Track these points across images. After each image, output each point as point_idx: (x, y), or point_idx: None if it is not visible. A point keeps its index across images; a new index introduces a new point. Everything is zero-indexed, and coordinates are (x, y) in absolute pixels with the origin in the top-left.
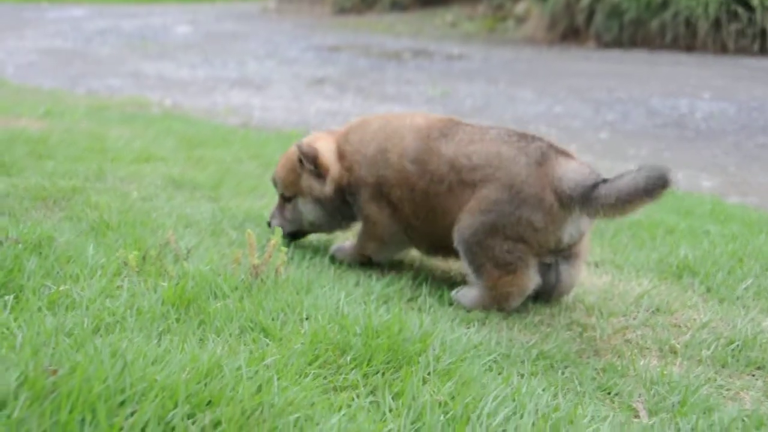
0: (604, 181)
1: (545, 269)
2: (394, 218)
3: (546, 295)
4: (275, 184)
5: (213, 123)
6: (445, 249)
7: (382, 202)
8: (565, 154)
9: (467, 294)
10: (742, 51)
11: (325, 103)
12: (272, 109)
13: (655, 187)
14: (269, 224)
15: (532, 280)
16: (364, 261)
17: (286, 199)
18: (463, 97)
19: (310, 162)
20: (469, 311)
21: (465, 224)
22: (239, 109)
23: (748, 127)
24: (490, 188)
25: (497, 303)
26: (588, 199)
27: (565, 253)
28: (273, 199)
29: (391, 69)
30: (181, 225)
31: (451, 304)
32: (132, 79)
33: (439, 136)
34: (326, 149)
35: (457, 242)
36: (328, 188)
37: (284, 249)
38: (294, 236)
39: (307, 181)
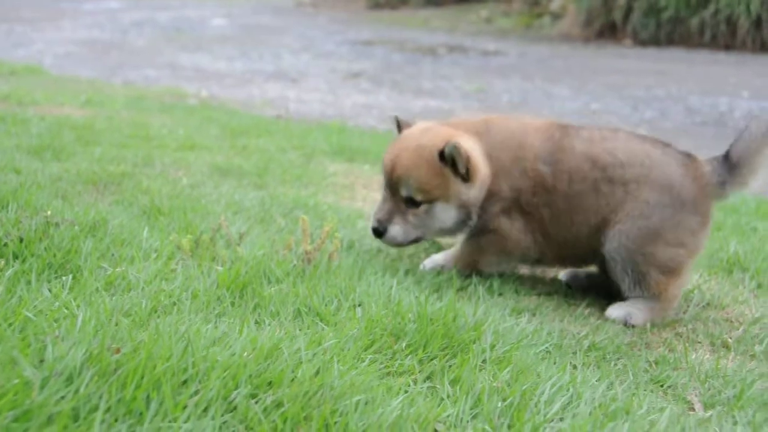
0: (725, 152)
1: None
2: (527, 230)
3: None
4: (397, 185)
5: (253, 114)
6: (576, 256)
7: (516, 214)
8: (693, 156)
9: (628, 311)
10: None
11: (361, 97)
12: (308, 102)
13: None
14: (380, 232)
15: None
16: (466, 272)
17: (414, 204)
18: (499, 92)
19: (464, 164)
20: (632, 327)
21: (623, 229)
22: (276, 101)
23: None
24: (647, 190)
25: (664, 309)
26: (733, 167)
27: None
28: (318, 187)
29: (426, 64)
30: (230, 211)
31: (500, 294)
32: (168, 71)
33: (563, 135)
34: (473, 148)
35: (612, 249)
36: (475, 193)
37: (338, 235)
38: (410, 244)
39: (456, 185)
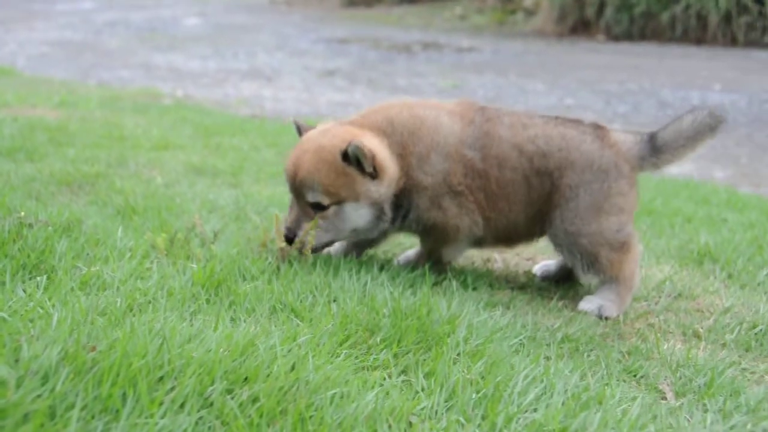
0: (653, 133)
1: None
2: (462, 213)
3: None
4: (302, 190)
5: (227, 113)
6: (512, 239)
7: (446, 201)
8: (602, 127)
9: (599, 303)
10: (752, 43)
11: (336, 95)
12: (283, 100)
13: (716, 122)
14: (290, 240)
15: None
16: (444, 269)
17: (321, 207)
18: (474, 88)
19: (370, 162)
20: (606, 319)
21: (560, 220)
22: (251, 100)
23: (759, 119)
24: (569, 174)
25: (629, 290)
26: (656, 149)
27: None
28: None
29: (401, 61)
30: (205, 210)
31: (475, 288)
32: (142, 71)
33: (484, 120)
34: (377, 146)
35: (556, 239)
36: (385, 190)
37: (312, 233)
38: (324, 247)
39: (364, 185)
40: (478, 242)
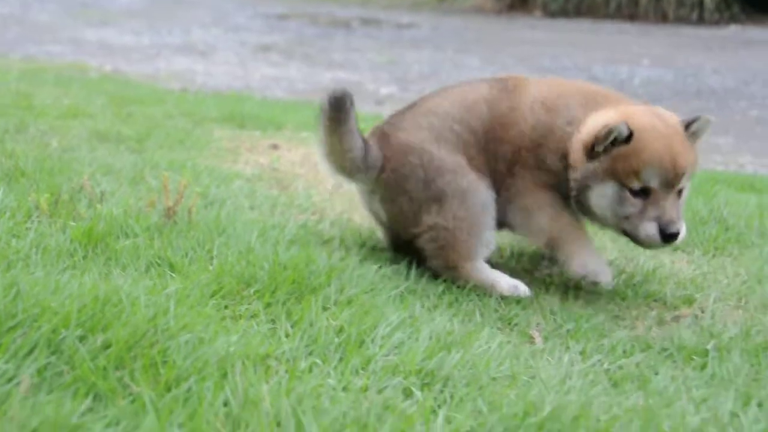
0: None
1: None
2: None
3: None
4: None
5: (151, 85)
6: None
7: None
8: None
9: None
10: (681, 20)
11: (270, 70)
12: (216, 75)
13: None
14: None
15: None
16: None
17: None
18: (410, 63)
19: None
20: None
21: None
22: (182, 75)
23: (683, 92)
24: None
25: None
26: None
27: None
28: (199, 151)
29: (339, 37)
30: (99, 173)
31: (363, 245)
32: (72, 46)
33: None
34: None
35: None
36: None
37: (198, 190)
38: None
39: None
40: None
